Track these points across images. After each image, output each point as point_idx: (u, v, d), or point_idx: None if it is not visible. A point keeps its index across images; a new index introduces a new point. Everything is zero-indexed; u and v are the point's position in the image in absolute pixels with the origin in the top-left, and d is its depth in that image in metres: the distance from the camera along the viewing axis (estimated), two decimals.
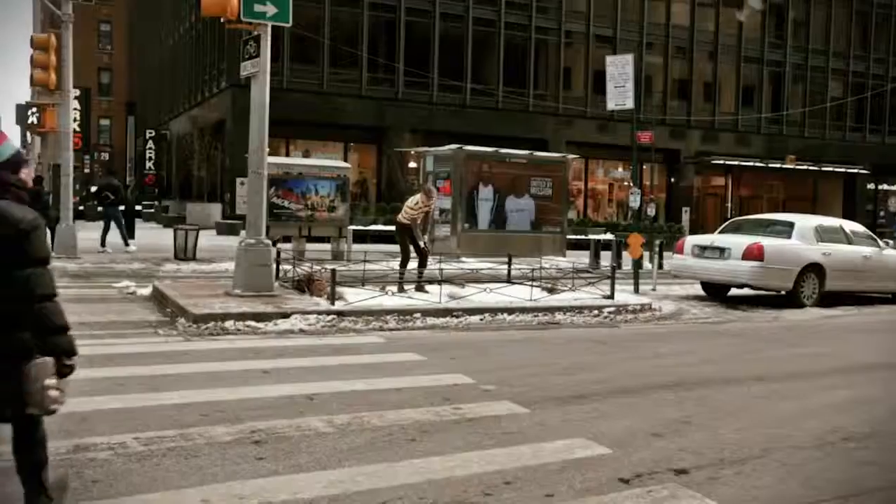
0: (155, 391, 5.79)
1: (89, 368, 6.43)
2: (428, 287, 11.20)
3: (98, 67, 63.51)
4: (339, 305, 9.64)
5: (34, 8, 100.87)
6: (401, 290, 11.19)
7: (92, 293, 11.23)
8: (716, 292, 14.43)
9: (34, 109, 22.23)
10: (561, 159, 22.16)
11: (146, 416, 5.14)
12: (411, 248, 11.88)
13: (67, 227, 16.64)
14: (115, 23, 64.58)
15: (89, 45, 58.43)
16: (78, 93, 33.45)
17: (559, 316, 10.53)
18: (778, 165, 40.26)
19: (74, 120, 18.90)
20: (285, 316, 9.06)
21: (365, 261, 12.09)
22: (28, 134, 72.05)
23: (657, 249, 17.61)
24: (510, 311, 10.39)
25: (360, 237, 23.03)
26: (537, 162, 21.21)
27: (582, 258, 19.31)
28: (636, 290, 13.78)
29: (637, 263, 14.58)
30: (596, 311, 10.91)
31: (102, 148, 56.52)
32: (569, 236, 22.89)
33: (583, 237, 27.20)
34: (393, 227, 24.31)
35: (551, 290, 11.97)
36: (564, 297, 11.51)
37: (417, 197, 12.13)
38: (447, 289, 11.00)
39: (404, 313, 9.72)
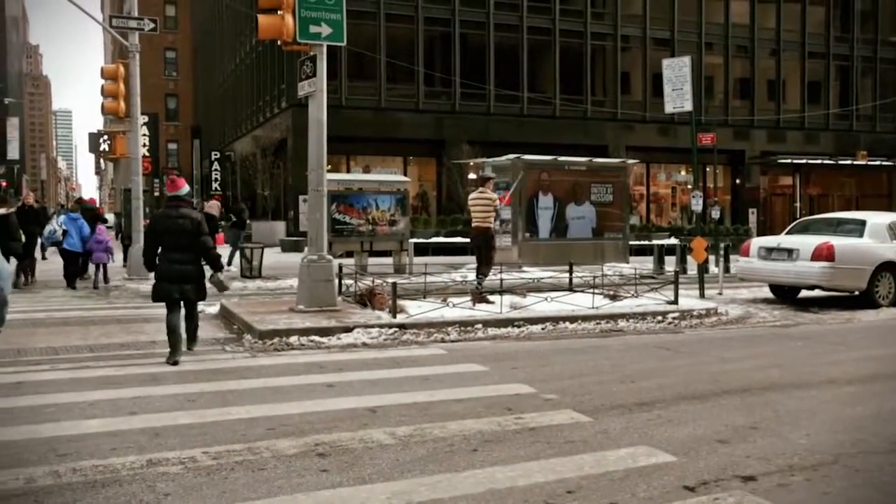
0: (223, 406, 5.94)
1: (161, 385, 6.66)
2: (490, 297, 11.21)
3: (165, 93, 65.56)
4: (400, 318, 9.73)
5: (104, 40, 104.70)
6: (482, 300, 11.11)
7: (162, 313, 11.56)
8: (785, 295, 14.07)
9: (105, 137, 23.07)
10: (621, 165, 21.93)
11: (215, 430, 5.28)
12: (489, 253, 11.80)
13: (139, 249, 17.16)
14: (180, 50, 66.63)
15: (156, 72, 60.39)
16: (146, 119, 34.61)
17: (622, 323, 10.42)
18: (849, 162, 39.07)
19: (143, 145, 19.58)
20: (348, 330, 9.19)
21: (426, 273, 12.17)
22: (101, 161, 74.65)
23: (723, 253, 17.26)
24: (572, 319, 10.32)
25: (421, 250, 23.20)
26: (597, 168, 21.03)
27: (646, 264, 19.06)
28: (701, 295, 13.53)
29: (702, 267, 14.32)
30: (660, 317, 10.75)
31: (170, 171, 58.18)
32: (632, 242, 22.59)
33: (646, 243, 26.83)
34: (455, 239, 24.32)
35: (614, 297, 11.84)
36: (627, 304, 11.37)
37: (476, 193, 12.03)
38: (508, 299, 10.99)
39: (466, 324, 9.75)
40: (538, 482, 4.31)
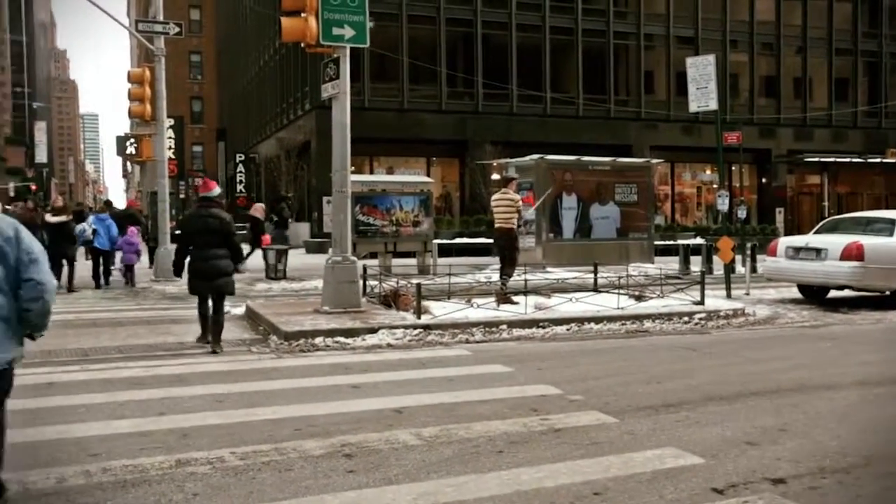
0: (250, 407, 5.98)
1: (188, 386, 6.72)
2: (514, 298, 11.19)
3: (190, 96, 66.18)
4: (425, 319, 9.74)
5: (130, 44, 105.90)
6: (507, 300, 11.12)
7: (188, 314, 11.67)
8: (814, 295, 13.91)
9: (132, 140, 23.33)
10: (645, 164, 21.82)
11: (242, 431, 5.32)
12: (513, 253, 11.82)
13: (165, 251, 17.34)
14: (205, 53, 67.20)
15: (181, 75, 61.00)
16: (172, 122, 34.96)
17: (647, 324, 10.35)
18: (878, 160, 38.52)
19: (169, 148, 19.80)
20: (373, 331, 9.21)
21: (450, 274, 12.18)
22: (128, 164, 75.45)
23: (749, 252, 17.10)
24: (597, 320, 10.28)
25: (445, 251, 23.21)
26: (621, 168, 20.96)
27: (671, 264, 18.93)
28: (728, 295, 13.42)
29: (728, 268, 14.20)
30: (686, 318, 10.67)
31: (195, 173, 58.71)
32: (656, 242, 22.47)
33: (671, 242, 26.63)
34: (479, 240, 24.29)
35: (639, 298, 11.77)
36: (653, 305, 11.30)
37: (499, 194, 12.04)
38: (533, 299, 10.97)
39: (490, 325, 9.74)
40: (564, 484, 4.30)
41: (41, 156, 75.51)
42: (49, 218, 15.31)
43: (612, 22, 36.18)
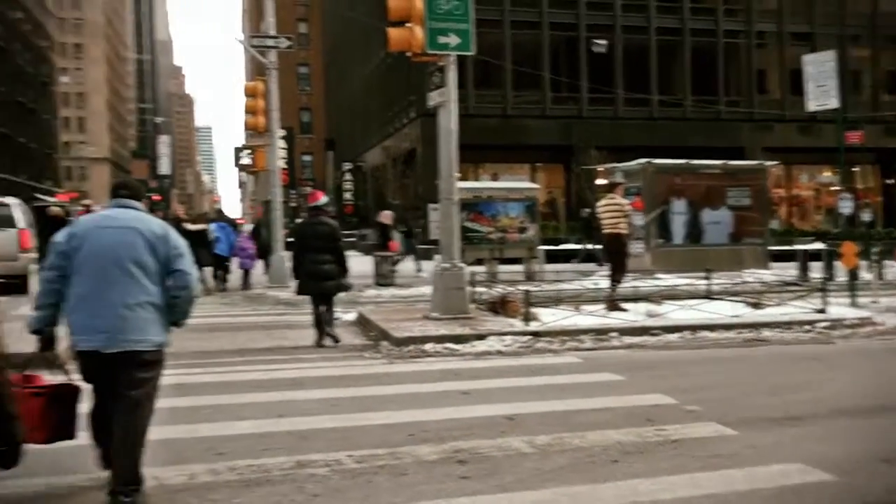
0: (364, 411, 6.09)
1: (305, 390, 6.91)
2: (624, 305, 11.00)
3: (298, 107, 68.26)
4: (533, 326, 9.69)
5: (244, 59, 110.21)
6: (616, 307, 10.97)
7: (302, 320, 12.01)
8: None
9: (248, 151, 24.23)
10: (758, 167, 21.02)
11: (358, 435, 5.43)
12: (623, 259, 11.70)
13: (278, 258, 17.92)
14: (313, 65, 69.19)
15: (290, 87, 62.97)
16: (283, 133, 36.08)
17: (766, 332, 9.95)
18: None
19: (281, 158, 20.44)
20: (482, 337, 9.23)
21: (557, 280, 12.08)
22: (243, 174, 78.43)
23: (876, 258, 16.20)
24: (711, 327, 9.96)
25: (551, 257, 23.00)
26: (733, 171, 20.26)
27: (788, 270, 18.15)
28: (853, 303, 12.74)
29: (853, 274, 13.49)
30: (807, 327, 10.20)
31: (305, 183, 60.48)
32: (772, 247, 21.60)
33: (788, 248, 25.52)
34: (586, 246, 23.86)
35: (756, 305, 11.35)
36: (770, 312, 10.87)
37: (606, 199, 11.89)
38: (643, 306, 10.75)
39: (600, 332, 9.60)
40: (683, 496, 4.19)
41: (164, 168, 79.50)
42: (189, 226, 16.28)
43: (722, 20, 35.11)
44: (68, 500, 4.29)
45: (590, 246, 23.07)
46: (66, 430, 4.04)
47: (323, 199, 9.83)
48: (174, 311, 4.24)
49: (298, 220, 14.50)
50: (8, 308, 13.12)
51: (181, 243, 4.30)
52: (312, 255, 9.24)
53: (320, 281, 9.25)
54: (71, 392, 4.21)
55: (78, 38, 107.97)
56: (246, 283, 17.41)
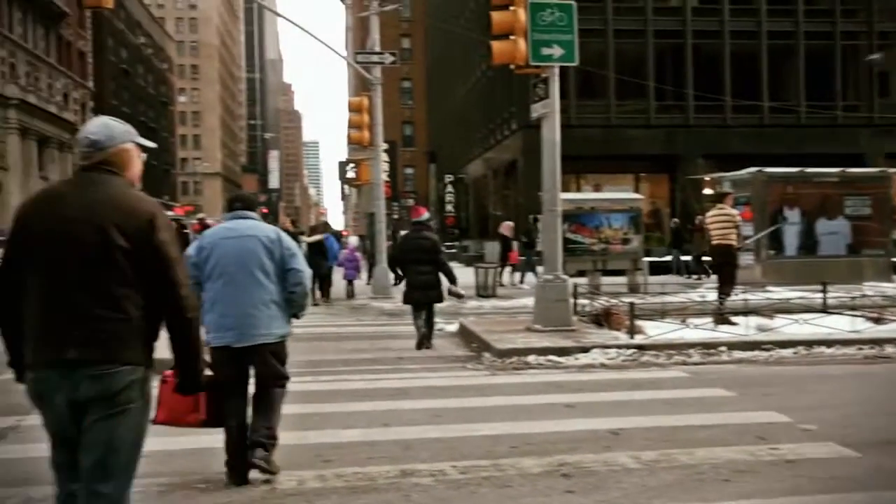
0: (468, 422, 6.12)
1: (409, 399, 7.00)
2: (733, 318, 10.64)
3: (402, 121, 69.39)
4: (638, 339, 9.50)
5: (348, 74, 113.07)
6: (725, 321, 10.65)
7: (405, 330, 12.17)
8: None
9: (352, 165, 24.80)
10: (880, 174, 19.95)
11: (461, 445, 5.46)
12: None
13: (382, 269, 18.24)
14: (415, 80, 70.26)
15: (394, 101, 64.08)
16: (386, 146, 36.78)
17: (889, 349, 9.40)
18: None
19: (384, 171, 20.86)
20: (585, 350, 9.12)
21: (663, 293, 11.81)
22: (346, 187, 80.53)
23: None
24: (828, 343, 9.50)
25: (656, 269, 22.52)
26: (851, 179, 19.30)
27: None
28: None
29: None
30: None
31: (408, 195, 61.42)
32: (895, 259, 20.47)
33: None
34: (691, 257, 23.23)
35: (877, 320, 10.76)
36: (894, 328, 10.28)
37: (715, 209, 11.57)
38: (754, 320, 10.37)
39: (709, 347, 9.31)
40: None
41: (273, 182, 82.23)
42: (305, 238, 17.12)
43: (840, 21, 33.58)
44: None
45: (683, 257, 22.55)
46: (217, 419, 4.23)
47: (425, 214, 10.48)
48: (292, 304, 4.85)
49: (401, 234, 15.12)
50: None
51: (293, 244, 4.89)
52: (415, 267, 9.87)
53: (423, 290, 9.86)
54: (219, 384, 4.35)
55: (195, 60, 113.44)
56: (350, 294, 17.91)
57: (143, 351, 2.83)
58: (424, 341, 9.96)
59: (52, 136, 46.54)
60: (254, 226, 4.82)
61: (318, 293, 17.15)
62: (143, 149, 3.16)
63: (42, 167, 45.81)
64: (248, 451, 4.62)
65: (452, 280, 10.00)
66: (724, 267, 11.43)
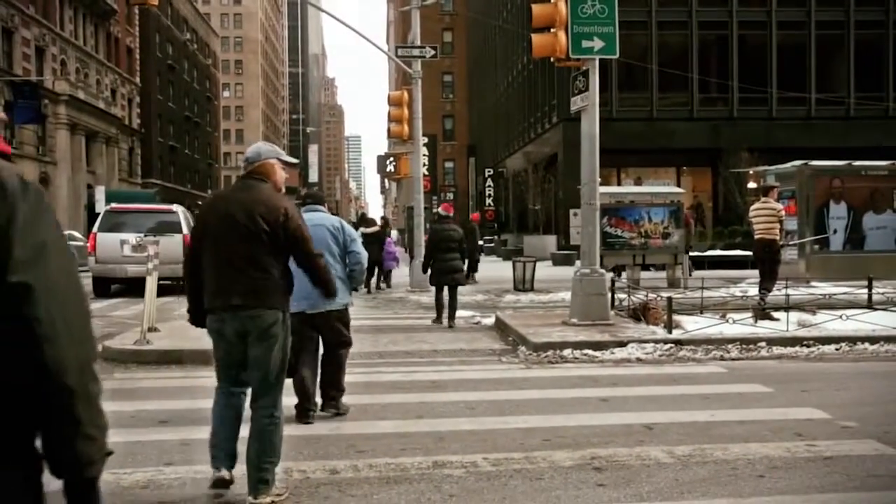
0: (501, 415, 6.14)
1: (443, 392, 7.04)
2: (774, 314, 10.47)
3: (442, 115, 69.44)
4: (676, 334, 9.42)
5: (389, 68, 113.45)
6: (765, 316, 10.51)
7: (442, 324, 12.24)
8: None
9: (391, 159, 24.93)
10: None
11: (494, 438, 5.48)
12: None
13: (419, 263, 18.29)
14: (456, 74, 70.23)
15: (434, 95, 64.18)
16: (426, 140, 36.89)
17: None
18: None
19: (423, 165, 20.91)
20: (622, 345, 9.07)
21: (703, 288, 11.66)
22: (386, 181, 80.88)
23: None
24: (872, 339, 9.31)
25: (696, 263, 22.24)
26: None
27: None
28: None
29: None
30: None
31: (447, 189, 61.49)
32: None
33: None
34: (734, 252, 23.07)
35: None
36: None
37: (759, 203, 11.42)
38: (795, 316, 10.20)
39: (747, 342, 9.20)
40: None
41: (314, 176, 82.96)
42: (363, 230, 17.81)
43: (893, 10, 32.74)
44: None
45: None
46: (290, 370, 4.87)
47: (451, 212, 12.36)
48: (353, 279, 6.06)
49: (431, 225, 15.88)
50: (175, 308, 14.11)
51: (353, 232, 6.12)
52: (442, 255, 11.42)
53: (448, 273, 11.42)
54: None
55: (238, 55, 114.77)
56: (388, 283, 18.89)
57: (281, 300, 4.21)
58: (445, 317, 11.64)
59: (100, 130, 47.50)
60: (322, 217, 5.99)
61: (373, 281, 18.14)
62: (286, 163, 4.51)
63: (90, 162, 46.79)
64: (314, 400, 5.93)
65: (472, 264, 11.94)
66: (766, 262, 11.25)
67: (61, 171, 42.60)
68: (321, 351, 6.17)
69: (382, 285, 19.07)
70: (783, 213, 11.37)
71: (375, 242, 17.64)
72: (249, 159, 4.31)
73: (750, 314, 10.56)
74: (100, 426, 1.57)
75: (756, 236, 11.42)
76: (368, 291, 17.85)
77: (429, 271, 11.64)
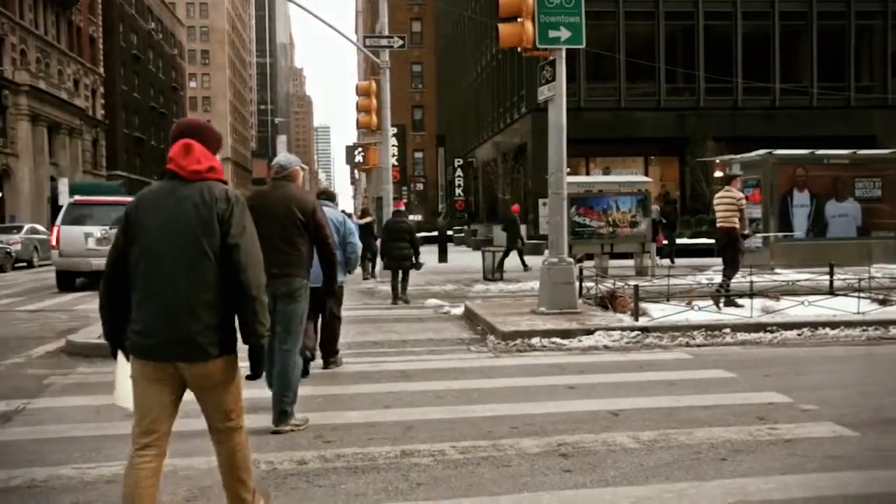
0: (469, 404, 6.17)
1: (411, 382, 7.06)
2: (739, 300, 10.63)
3: (411, 105, 69.28)
4: (643, 321, 9.52)
5: (357, 59, 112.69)
6: (730, 303, 10.66)
7: (411, 313, 12.25)
8: None
9: (360, 149, 24.84)
10: (892, 156, 19.81)
11: (462, 426, 5.50)
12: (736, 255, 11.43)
13: None
14: (425, 64, 70.05)
15: (403, 85, 63.99)
16: (395, 130, 36.78)
17: (894, 330, 9.39)
18: None
19: (393, 155, 20.87)
20: (589, 332, 9.15)
21: (669, 275, 11.80)
22: (355, 171, 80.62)
23: None
24: (833, 325, 9.50)
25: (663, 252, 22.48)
26: (862, 161, 19.17)
27: None
28: None
29: None
30: None
31: (417, 179, 61.39)
32: None
33: None
34: (700, 241, 23.34)
35: (883, 302, 10.73)
36: None
37: (722, 192, 11.58)
38: (759, 302, 10.36)
39: (712, 328, 9.33)
40: (797, 497, 4.04)
41: None
42: (356, 220, 18.17)
43: (854, 1, 33.22)
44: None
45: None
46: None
47: (402, 208, 15.10)
48: (348, 265, 7.30)
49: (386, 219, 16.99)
50: None
51: (352, 225, 7.43)
52: (395, 244, 13.65)
53: (398, 260, 13.64)
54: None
55: (205, 45, 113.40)
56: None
57: (306, 271, 5.59)
58: (399, 298, 13.61)
59: (63, 121, 46.71)
60: (332, 212, 7.08)
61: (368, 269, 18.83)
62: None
63: (52, 153, 46.01)
64: (314, 351, 7.20)
65: (418, 254, 13.81)
66: (727, 250, 11.42)
67: (23, 163, 41.86)
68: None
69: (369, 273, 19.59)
70: (744, 201, 11.51)
71: (369, 232, 18.49)
72: (283, 166, 5.70)
73: (714, 301, 10.70)
74: (265, 319, 3.28)
75: (717, 224, 11.58)
76: (372, 276, 18.71)
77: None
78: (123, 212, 3.37)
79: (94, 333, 9.28)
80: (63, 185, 36.09)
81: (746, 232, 12.12)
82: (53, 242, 16.79)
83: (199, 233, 3.20)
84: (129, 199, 17.31)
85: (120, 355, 3.38)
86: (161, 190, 3.32)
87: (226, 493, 3.47)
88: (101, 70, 57.24)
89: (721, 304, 10.59)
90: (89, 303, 14.32)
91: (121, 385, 3.42)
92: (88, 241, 16.47)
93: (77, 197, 19.06)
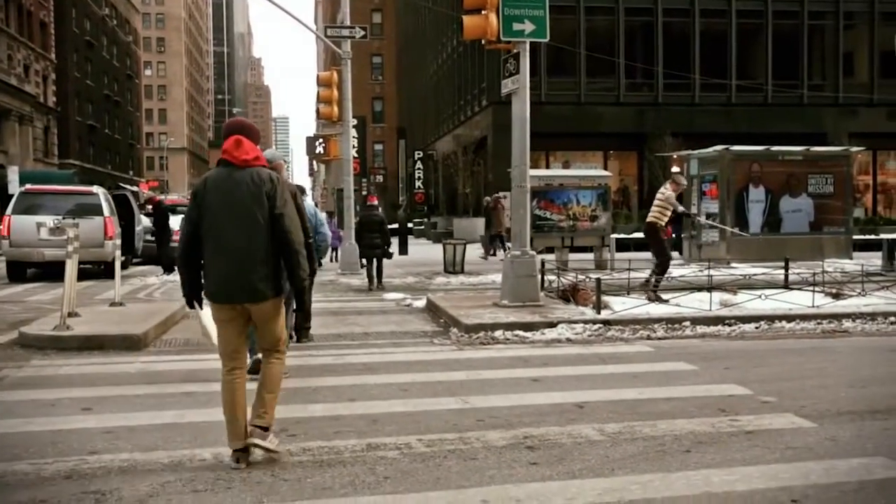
0: (434, 396, 6.15)
1: (375, 375, 7.02)
2: (698, 295, 10.76)
3: (371, 97, 68.90)
4: (605, 314, 9.60)
5: (317, 49, 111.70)
6: (655, 298, 10.79)
7: (373, 306, 12.20)
8: None
9: (320, 140, 24.59)
10: (843, 153, 20.30)
11: (428, 419, 5.48)
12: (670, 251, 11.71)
13: (350, 246, 18.19)
14: (386, 55, 69.73)
15: (363, 77, 63.60)
16: (355, 122, 36.50)
17: (847, 323, 9.63)
18: None
19: (353, 147, 20.67)
20: (552, 325, 9.20)
21: (629, 269, 11.92)
22: (314, 163, 79.86)
23: None
24: (789, 318, 9.69)
25: (623, 246, 22.69)
26: (815, 157, 19.59)
27: (873, 260, 17.46)
28: None
29: None
30: (893, 318, 9.81)
31: (377, 171, 61.07)
32: (856, 237, 20.85)
33: (873, 237, 24.63)
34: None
35: (836, 296, 10.98)
36: (852, 303, 10.50)
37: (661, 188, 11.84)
38: (718, 296, 10.52)
39: (673, 322, 9.45)
40: (758, 488, 4.10)
41: None
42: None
43: (807, 1, 33.88)
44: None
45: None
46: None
47: (376, 202, 15.93)
48: (318, 251, 7.73)
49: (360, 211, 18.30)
50: (97, 292, 13.67)
51: (322, 217, 8.28)
52: (369, 234, 14.73)
53: (373, 250, 14.72)
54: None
55: (161, 33, 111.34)
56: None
57: None
58: (374, 285, 14.71)
59: (13, 108, 45.50)
60: (308, 204, 7.72)
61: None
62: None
63: (2, 141, 44.81)
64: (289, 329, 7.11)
65: (389, 244, 14.87)
66: (651, 246, 11.79)
67: None
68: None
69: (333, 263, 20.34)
70: (674, 200, 11.67)
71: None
72: (269, 160, 5.56)
73: (675, 295, 10.84)
74: (306, 267, 4.49)
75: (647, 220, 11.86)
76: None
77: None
78: (191, 192, 4.52)
79: (48, 325, 9.06)
80: (13, 174, 35.07)
81: (690, 213, 13.13)
82: (4, 232, 16.34)
83: (253, 206, 4.37)
84: (84, 188, 16.81)
85: (198, 307, 4.63)
86: (220, 175, 4.47)
87: (255, 399, 4.58)
88: (53, 56, 55.84)
89: (650, 299, 10.70)
90: (42, 293, 13.98)
91: (206, 326, 4.89)
92: (41, 230, 16.06)
93: (28, 186, 18.56)
